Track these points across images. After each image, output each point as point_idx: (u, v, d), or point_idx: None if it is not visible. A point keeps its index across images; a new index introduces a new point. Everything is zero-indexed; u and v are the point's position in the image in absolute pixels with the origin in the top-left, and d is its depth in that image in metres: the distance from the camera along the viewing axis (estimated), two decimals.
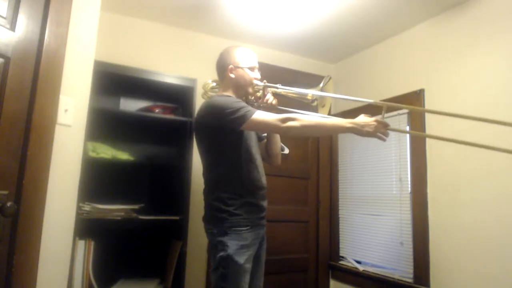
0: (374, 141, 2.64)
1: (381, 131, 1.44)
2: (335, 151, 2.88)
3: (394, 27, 2.37)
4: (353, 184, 2.68)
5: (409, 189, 2.22)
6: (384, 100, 2.44)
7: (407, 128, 2.28)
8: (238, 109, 1.48)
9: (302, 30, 2.46)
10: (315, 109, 1.66)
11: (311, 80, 2.90)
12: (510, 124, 1.28)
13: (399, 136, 2.33)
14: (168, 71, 2.20)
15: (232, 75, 1.67)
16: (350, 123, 1.45)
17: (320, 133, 1.47)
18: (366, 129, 1.42)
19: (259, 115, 1.48)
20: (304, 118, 1.46)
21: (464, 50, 2.01)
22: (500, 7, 1.86)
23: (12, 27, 1.23)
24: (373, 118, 1.44)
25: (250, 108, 1.50)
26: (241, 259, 1.47)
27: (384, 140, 1.47)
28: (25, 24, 1.27)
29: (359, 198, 2.60)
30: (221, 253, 1.48)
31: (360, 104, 2.58)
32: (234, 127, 1.50)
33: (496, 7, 1.87)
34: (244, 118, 1.47)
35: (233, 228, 1.50)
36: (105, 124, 1.98)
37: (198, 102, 1.96)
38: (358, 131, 1.44)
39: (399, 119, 2.33)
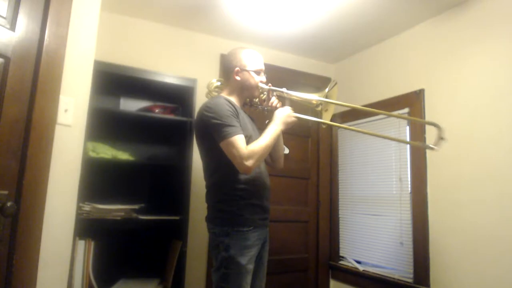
0: (374, 141, 2.63)
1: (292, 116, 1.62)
2: (335, 151, 2.88)
3: (394, 27, 2.37)
4: (353, 184, 2.68)
5: (409, 189, 2.22)
6: (384, 100, 2.47)
7: (407, 128, 2.28)
8: (223, 125, 1.47)
9: (302, 30, 2.46)
10: (319, 114, 1.65)
11: (312, 80, 2.91)
12: None
13: (400, 136, 2.33)
14: (168, 71, 2.20)
15: (238, 78, 1.66)
16: (279, 124, 1.58)
17: (270, 150, 1.56)
18: (288, 120, 1.60)
19: (234, 141, 1.44)
20: (256, 149, 1.46)
21: (464, 50, 2.01)
22: (500, 7, 1.86)
23: (12, 27, 1.23)
24: (286, 109, 1.62)
25: (233, 129, 1.47)
26: (243, 259, 1.47)
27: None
28: (25, 24, 1.27)
29: (359, 198, 2.60)
30: (223, 254, 1.48)
31: (363, 103, 2.59)
32: (215, 140, 1.49)
33: (496, 7, 1.87)
34: (222, 137, 1.46)
35: (236, 229, 1.50)
36: (105, 124, 1.98)
37: (198, 102, 1.96)
38: (286, 127, 1.60)
39: (399, 119, 2.33)
